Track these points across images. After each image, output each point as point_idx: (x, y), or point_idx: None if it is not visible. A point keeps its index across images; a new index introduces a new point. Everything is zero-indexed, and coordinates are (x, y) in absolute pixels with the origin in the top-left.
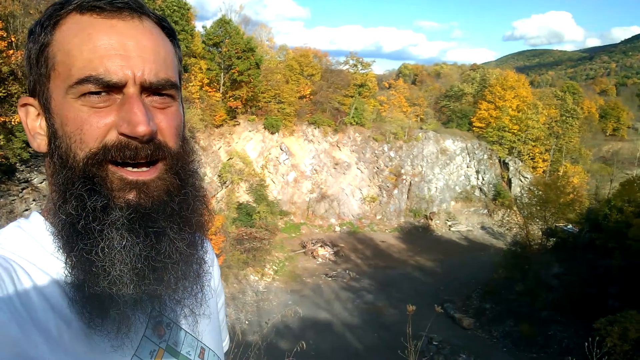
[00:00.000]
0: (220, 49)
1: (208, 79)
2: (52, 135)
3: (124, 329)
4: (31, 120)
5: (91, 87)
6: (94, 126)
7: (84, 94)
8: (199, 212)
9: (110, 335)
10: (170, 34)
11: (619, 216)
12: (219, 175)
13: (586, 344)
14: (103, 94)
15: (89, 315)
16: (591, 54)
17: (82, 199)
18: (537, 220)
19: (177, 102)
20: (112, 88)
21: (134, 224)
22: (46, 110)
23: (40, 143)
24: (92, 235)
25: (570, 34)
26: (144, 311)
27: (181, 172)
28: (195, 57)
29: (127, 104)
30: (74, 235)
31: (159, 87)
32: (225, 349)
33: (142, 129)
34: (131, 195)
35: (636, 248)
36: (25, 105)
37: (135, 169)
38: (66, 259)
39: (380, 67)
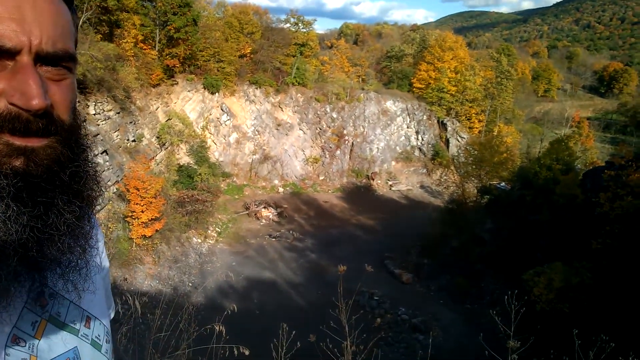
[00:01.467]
0: (154, 4)
1: (142, 35)
2: None
3: (3, 302)
4: None
5: None
6: None
7: None
8: (90, 186)
9: None
10: (68, 0)
11: (547, 174)
12: (157, 137)
13: (506, 297)
14: None
15: None
16: (525, 16)
17: None
18: (473, 178)
19: (74, 75)
20: (3, 54)
21: (21, 192)
22: None
23: None
24: None
25: None
26: (25, 283)
27: (73, 146)
28: (128, 12)
29: (20, 73)
30: None
31: (56, 58)
32: (112, 316)
33: (36, 103)
34: (18, 162)
35: (562, 204)
36: None
37: (25, 137)
38: None
39: (322, 26)
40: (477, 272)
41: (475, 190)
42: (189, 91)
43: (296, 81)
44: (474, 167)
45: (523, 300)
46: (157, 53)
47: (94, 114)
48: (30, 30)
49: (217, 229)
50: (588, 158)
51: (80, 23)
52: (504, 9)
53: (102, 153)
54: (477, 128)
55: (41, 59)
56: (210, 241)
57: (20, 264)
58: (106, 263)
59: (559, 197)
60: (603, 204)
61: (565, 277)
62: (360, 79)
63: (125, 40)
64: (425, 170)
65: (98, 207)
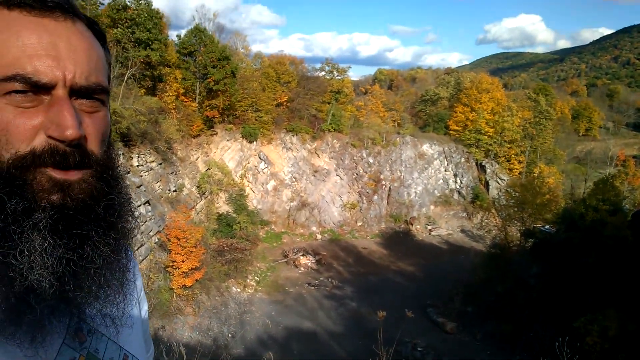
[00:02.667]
0: (195, 58)
1: (184, 88)
2: None
3: (39, 337)
4: None
5: (17, 86)
6: (21, 127)
7: (8, 92)
8: (125, 218)
9: (24, 345)
10: (101, 37)
11: (594, 215)
12: (197, 186)
13: (557, 343)
14: (29, 93)
15: (1, 322)
16: (562, 55)
17: (2, 201)
18: (515, 221)
19: (107, 108)
20: (40, 88)
21: (57, 225)
22: None
23: None
24: (11, 238)
25: (541, 36)
26: (63, 318)
27: (107, 178)
28: (170, 67)
29: (56, 106)
30: None
31: (90, 91)
32: (150, 359)
33: (70, 133)
34: (56, 197)
35: (612, 246)
36: None
37: (63, 171)
38: None
39: (356, 73)
40: (524, 318)
41: (519, 234)
42: (227, 140)
43: (332, 127)
44: (516, 209)
45: (576, 348)
46: (197, 105)
47: (137, 166)
48: (65, 65)
49: (256, 277)
50: (636, 198)
51: (125, 79)
52: (539, 49)
53: (144, 204)
54: (517, 169)
55: (75, 92)
56: (249, 290)
57: (56, 299)
58: (145, 302)
59: (608, 239)
60: None
61: (620, 325)
62: (396, 123)
63: (167, 94)
64: (465, 214)
65: (140, 257)
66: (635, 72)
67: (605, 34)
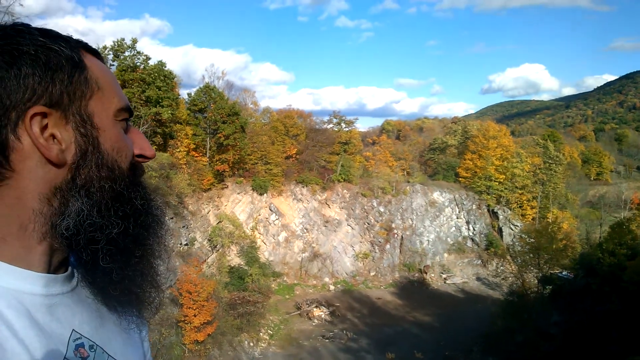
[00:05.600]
0: (205, 115)
1: (194, 144)
2: (90, 146)
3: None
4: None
5: (126, 115)
6: (129, 145)
7: (121, 119)
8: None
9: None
10: None
11: (611, 259)
12: (209, 240)
13: None
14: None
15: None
16: (567, 102)
17: (131, 199)
18: (532, 268)
19: None
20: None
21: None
22: (82, 123)
23: (56, 152)
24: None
25: (546, 84)
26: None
27: None
28: (181, 124)
29: (137, 133)
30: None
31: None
32: None
33: (153, 153)
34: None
35: (633, 291)
36: (36, 115)
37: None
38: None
39: (363, 125)
40: None
41: (536, 280)
42: (238, 193)
43: (342, 178)
44: (531, 255)
45: None
46: (207, 159)
47: None
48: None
49: (269, 331)
50: None
51: None
52: (544, 97)
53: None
54: (530, 215)
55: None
56: (262, 344)
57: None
58: (144, 321)
59: (628, 284)
60: None
61: None
62: (405, 172)
63: (178, 150)
64: (480, 261)
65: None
66: None
67: (609, 80)
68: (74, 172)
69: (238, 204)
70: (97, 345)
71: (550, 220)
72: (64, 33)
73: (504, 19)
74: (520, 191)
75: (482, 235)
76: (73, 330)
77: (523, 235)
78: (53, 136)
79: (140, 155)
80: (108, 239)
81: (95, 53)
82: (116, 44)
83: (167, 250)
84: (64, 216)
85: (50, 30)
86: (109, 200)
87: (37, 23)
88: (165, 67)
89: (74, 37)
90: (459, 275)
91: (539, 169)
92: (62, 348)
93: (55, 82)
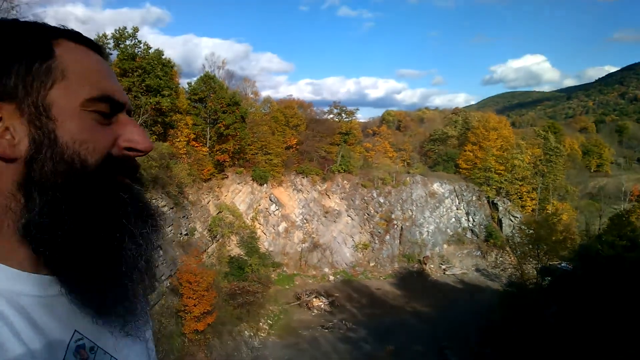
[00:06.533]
0: (205, 104)
1: (194, 134)
2: (46, 139)
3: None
4: None
5: (103, 107)
6: (103, 139)
7: (93, 110)
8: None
9: None
10: None
11: (611, 251)
12: (209, 230)
13: None
14: (103, 115)
15: (69, 285)
16: (568, 93)
17: (95, 196)
18: (531, 259)
19: None
20: (113, 110)
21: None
22: (38, 115)
23: (5, 146)
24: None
25: (547, 75)
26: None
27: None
28: (181, 113)
29: (130, 124)
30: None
31: (129, 114)
32: None
33: (147, 144)
34: (127, 196)
35: (632, 283)
36: None
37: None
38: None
39: (364, 115)
40: (545, 359)
41: (535, 272)
42: (238, 184)
43: (342, 168)
44: (531, 247)
45: None
46: (207, 149)
47: None
48: (124, 93)
49: (268, 321)
50: None
51: None
52: (545, 88)
53: (156, 248)
54: (529, 206)
55: (128, 114)
56: (261, 334)
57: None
58: (148, 317)
59: (627, 275)
60: None
61: None
62: (405, 163)
63: (178, 139)
64: (479, 253)
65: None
66: None
67: (610, 72)
68: (29, 167)
69: (238, 194)
70: (98, 346)
71: (550, 212)
72: (58, 23)
73: (506, 9)
74: (520, 182)
75: (482, 227)
76: (75, 331)
77: (523, 227)
78: (7, 129)
79: (131, 149)
80: (69, 239)
81: (85, 41)
82: (117, 32)
83: (152, 249)
84: (30, 213)
85: (16, 20)
86: (68, 197)
87: (37, 11)
88: (163, 55)
89: (64, 27)
90: (458, 266)
91: (539, 160)
92: (62, 350)
93: (10, 74)
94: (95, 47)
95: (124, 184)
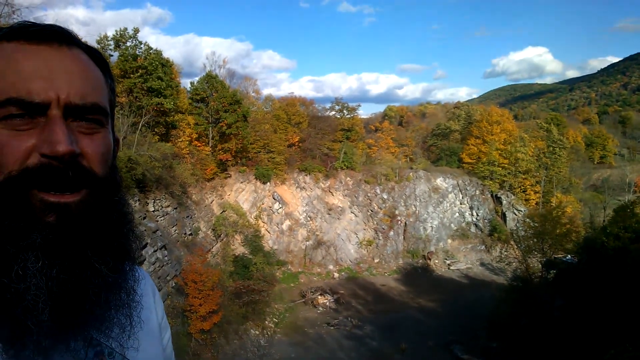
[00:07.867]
0: (207, 104)
1: (197, 133)
2: None
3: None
4: None
5: (13, 110)
6: (15, 149)
7: (5, 117)
8: (126, 239)
9: None
10: (102, 65)
11: (616, 243)
12: (213, 229)
13: None
14: (26, 116)
15: (2, 345)
16: (571, 84)
17: None
18: (536, 252)
19: (106, 129)
20: (36, 111)
21: (52, 246)
22: None
23: None
24: (7, 259)
25: (549, 66)
26: (70, 341)
27: (107, 199)
28: (183, 113)
29: (48, 125)
30: None
31: (86, 111)
32: None
33: (61, 148)
34: (52, 218)
35: (637, 274)
36: None
37: (58, 193)
38: None
39: (366, 111)
40: (551, 353)
41: (540, 265)
42: (241, 182)
43: (344, 165)
44: (535, 240)
45: None
46: (210, 149)
47: (153, 211)
48: (59, 86)
49: (274, 319)
50: None
51: (139, 127)
52: (548, 80)
53: (161, 248)
54: (533, 200)
55: (71, 112)
56: (268, 332)
57: (59, 321)
58: (166, 323)
59: (632, 267)
60: None
61: None
62: (408, 159)
63: (180, 140)
64: (483, 247)
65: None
66: None
67: (613, 62)
68: None
69: (241, 193)
70: (116, 352)
71: (554, 205)
72: (65, 25)
73: (508, 1)
74: (523, 176)
75: (486, 221)
76: (92, 337)
77: (527, 220)
78: None
79: (46, 155)
80: None
81: (38, 37)
82: (118, 33)
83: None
84: None
85: None
86: None
87: (38, 15)
88: (161, 55)
89: (20, 25)
90: (462, 261)
91: (543, 153)
92: (81, 355)
93: None
94: (35, 35)
95: (45, 202)
